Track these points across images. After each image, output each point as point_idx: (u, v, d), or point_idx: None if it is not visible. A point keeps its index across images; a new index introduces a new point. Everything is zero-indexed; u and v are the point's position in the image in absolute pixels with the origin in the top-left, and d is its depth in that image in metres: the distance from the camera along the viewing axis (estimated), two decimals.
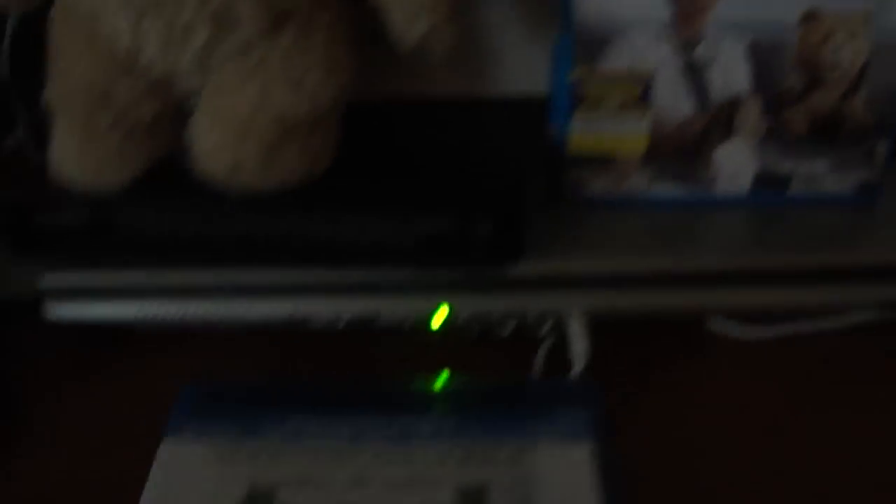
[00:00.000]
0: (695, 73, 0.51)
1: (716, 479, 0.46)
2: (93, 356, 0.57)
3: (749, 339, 0.54)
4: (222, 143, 0.44)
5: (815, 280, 0.52)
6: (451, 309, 0.51)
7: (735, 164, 0.54)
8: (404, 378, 0.52)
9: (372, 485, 0.44)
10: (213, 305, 0.53)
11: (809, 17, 0.50)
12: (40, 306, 0.54)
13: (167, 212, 0.50)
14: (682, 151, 0.53)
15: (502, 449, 0.46)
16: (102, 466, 0.48)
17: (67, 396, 0.54)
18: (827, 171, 0.54)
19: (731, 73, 0.51)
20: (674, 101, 0.51)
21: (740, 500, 0.45)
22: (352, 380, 0.52)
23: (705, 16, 0.50)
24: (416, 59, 0.47)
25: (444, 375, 0.51)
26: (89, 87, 0.46)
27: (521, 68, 0.55)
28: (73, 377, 0.55)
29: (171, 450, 0.47)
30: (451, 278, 0.51)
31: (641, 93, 0.50)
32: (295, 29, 0.44)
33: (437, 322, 0.51)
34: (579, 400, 0.48)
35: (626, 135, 0.53)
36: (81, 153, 0.46)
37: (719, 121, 0.52)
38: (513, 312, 0.52)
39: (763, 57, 0.51)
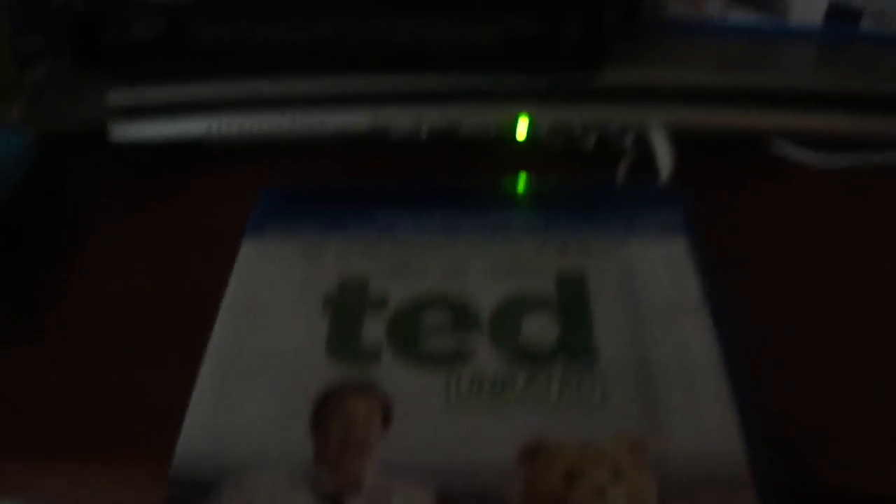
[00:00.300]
0: None
1: (793, 282, 0.46)
2: (162, 180, 0.56)
3: (821, 166, 0.54)
4: None
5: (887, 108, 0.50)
6: (533, 120, 0.50)
7: None
8: (492, 181, 0.50)
9: (470, 272, 0.44)
10: (290, 117, 0.51)
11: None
12: (107, 132, 0.53)
13: (244, 17, 0.48)
14: None
15: (598, 242, 0.45)
16: (182, 278, 0.48)
17: (140, 218, 0.54)
18: None
19: None
20: None
21: (818, 300, 0.46)
22: (439, 180, 0.49)
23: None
24: None
25: (533, 180, 0.49)
26: None
27: None
28: (144, 200, 0.55)
29: (253, 248, 0.46)
30: (534, 87, 0.50)
31: None
32: None
33: (520, 133, 0.49)
34: (670, 200, 0.48)
35: None
36: None
37: None
38: (594, 124, 0.51)
39: None
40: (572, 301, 0.42)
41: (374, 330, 0.41)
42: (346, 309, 0.42)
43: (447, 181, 0.51)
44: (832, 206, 0.52)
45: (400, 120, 0.50)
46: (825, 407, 0.40)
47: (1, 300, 0.47)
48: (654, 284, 0.43)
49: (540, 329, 0.41)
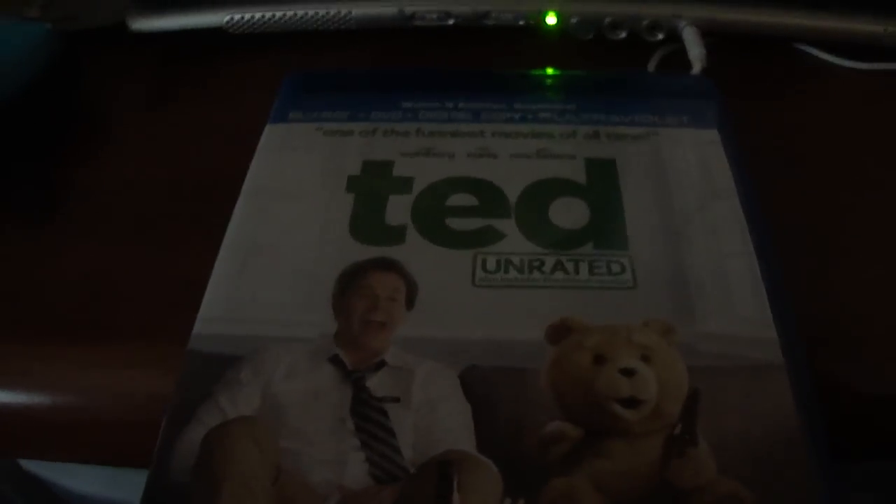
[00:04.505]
0: None
1: (825, 180, 0.46)
2: (183, 72, 0.55)
3: (853, 68, 0.53)
4: None
5: None
6: (562, 9, 0.47)
7: None
8: (521, 69, 0.48)
9: (498, 157, 0.43)
10: (313, 5, 0.48)
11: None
12: (126, 24, 0.52)
13: None
14: None
15: (629, 129, 0.44)
16: (202, 167, 0.47)
17: (160, 109, 0.53)
18: None
19: None
20: None
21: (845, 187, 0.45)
22: (466, 67, 0.48)
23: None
24: None
25: (562, 68, 0.48)
26: None
27: None
28: (164, 92, 0.54)
29: (275, 132, 0.44)
30: None
31: None
32: None
33: (550, 20, 0.47)
34: (702, 93, 0.46)
35: None
36: None
37: None
38: (624, 18, 0.50)
39: None
40: (602, 185, 0.41)
41: (398, 211, 0.40)
42: (370, 191, 0.41)
43: (476, 68, 0.49)
44: (864, 106, 0.51)
45: (426, 7, 0.47)
46: (855, 304, 0.39)
47: (19, 191, 0.47)
48: (684, 172, 0.42)
49: (569, 212, 0.40)
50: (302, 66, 0.50)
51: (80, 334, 0.40)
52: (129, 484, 0.49)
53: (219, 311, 0.37)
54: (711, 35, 0.50)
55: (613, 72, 0.50)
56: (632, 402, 0.33)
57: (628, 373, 0.33)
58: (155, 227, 0.44)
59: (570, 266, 0.38)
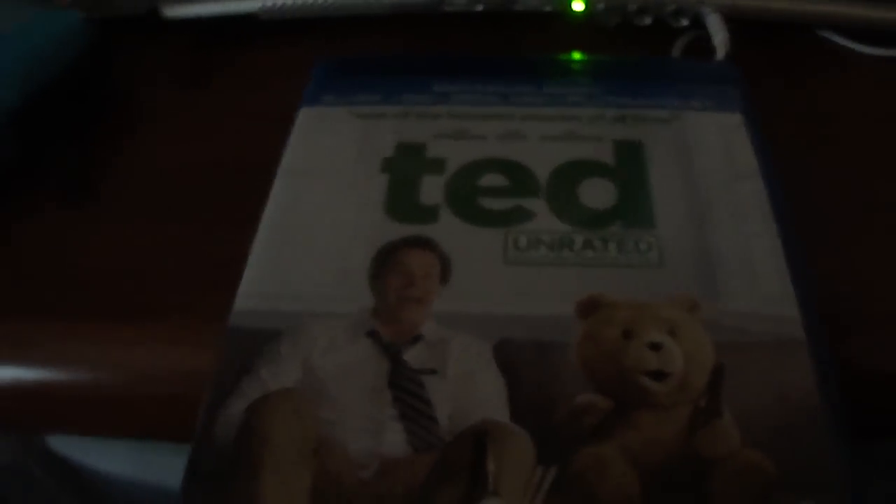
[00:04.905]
0: None
1: (849, 164, 0.46)
2: (215, 57, 0.56)
3: (876, 55, 0.53)
4: None
5: None
6: None
7: None
8: (549, 54, 0.50)
9: (528, 139, 0.44)
10: None
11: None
12: (158, 11, 0.53)
13: None
14: None
15: (655, 112, 0.45)
16: (235, 151, 0.48)
17: (193, 95, 0.54)
18: None
19: None
20: None
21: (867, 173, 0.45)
22: (495, 53, 0.49)
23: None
24: None
25: (589, 53, 0.49)
26: None
27: None
28: (196, 77, 0.55)
29: (309, 115, 0.46)
30: None
31: None
32: None
33: (577, 6, 0.48)
34: (726, 78, 0.47)
35: None
36: None
37: None
38: (649, 4, 0.50)
39: None
40: (630, 167, 0.42)
41: (432, 191, 0.41)
42: (404, 171, 0.42)
43: (504, 54, 0.50)
44: (886, 92, 0.51)
45: None
46: (876, 287, 0.40)
47: (56, 174, 0.48)
48: (709, 154, 0.43)
49: (598, 193, 0.41)
50: (332, 52, 0.52)
51: (119, 312, 0.41)
52: (159, 465, 0.50)
53: (258, 287, 0.38)
54: (735, 21, 0.51)
55: (639, 57, 0.51)
56: (659, 375, 0.34)
57: (656, 347, 0.34)
58: (192, 209, 0.45)
59: (598, 244, 0.39)
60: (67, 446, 0.53)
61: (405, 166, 0.43)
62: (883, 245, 0.42)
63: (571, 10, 0.50)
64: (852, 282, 0.40)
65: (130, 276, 0.42)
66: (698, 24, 0.52)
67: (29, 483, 0.57)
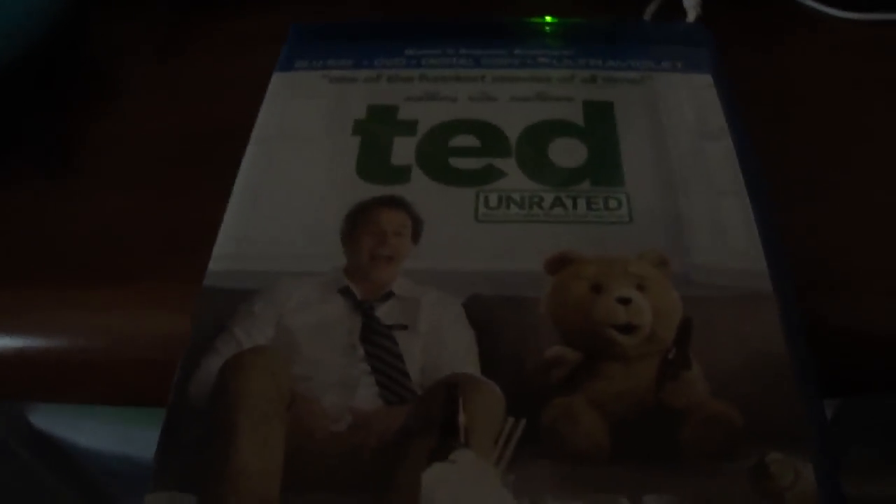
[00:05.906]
0: None
1: (818, 126, 0.47)
2: (190, 26, 0.56)
3: (848, 19, 0.54)
4: None
5: None
6: None
7: None
8: (520, 17, 0.50)
9: (500, 100, 0.44)
10: None
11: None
12: None
13: None
14: None
15: (625, 74, 0.46)
16: (210, 118, 0.48)
17: (168, 63, 0.54)
18: None
19: None
20: None
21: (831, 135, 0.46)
22: (465, 15, 0.49)
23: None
24: None
25: (560, 16, 0.49)
26: None
27: None
28: (172, 46, 0.55)
29: (282, 81, 0.46)
30: None
31: None
32: None
33: None
34: (697, 40, 0.48)
35: None
36: None
37: None
38: None
39: None
40: (599, 126, 0.43)
41: (403, 152, 0.42)
42: (376, 133, 0.43)
43: (475, 17, 0.50)
44: (856, 56, 0.52)
45: None
46: (842, 245, 0.41)
47: (34, 143, 0.48)
48: (678, 113, 0.43)
49: (568, 152, 0.41)
50: (308, 19, 0.52)
51: (97, 278, 0.41)
52: (140, 440, 0.50)
53: (232, 248, 0.38)
54: None
55: (610, 20, 0.51)
56: (628, 328, 0.35)
57: (624, 301, 0.35)
58: (167, 175, 0.45)
59: (568, 202, 0.39)
60: (49, 421, 0.53)
61: (377, 128, 0.43)
62: (850, 203, 0.42)
63: None
64: (819, 239, 0.40)
65: (108, 243, 0.42)
66: None
67: (10, 458, 0.57)
